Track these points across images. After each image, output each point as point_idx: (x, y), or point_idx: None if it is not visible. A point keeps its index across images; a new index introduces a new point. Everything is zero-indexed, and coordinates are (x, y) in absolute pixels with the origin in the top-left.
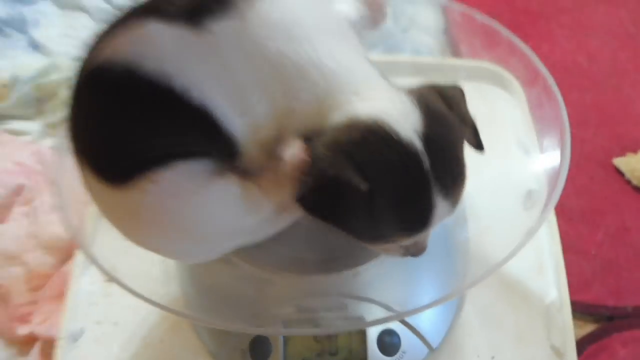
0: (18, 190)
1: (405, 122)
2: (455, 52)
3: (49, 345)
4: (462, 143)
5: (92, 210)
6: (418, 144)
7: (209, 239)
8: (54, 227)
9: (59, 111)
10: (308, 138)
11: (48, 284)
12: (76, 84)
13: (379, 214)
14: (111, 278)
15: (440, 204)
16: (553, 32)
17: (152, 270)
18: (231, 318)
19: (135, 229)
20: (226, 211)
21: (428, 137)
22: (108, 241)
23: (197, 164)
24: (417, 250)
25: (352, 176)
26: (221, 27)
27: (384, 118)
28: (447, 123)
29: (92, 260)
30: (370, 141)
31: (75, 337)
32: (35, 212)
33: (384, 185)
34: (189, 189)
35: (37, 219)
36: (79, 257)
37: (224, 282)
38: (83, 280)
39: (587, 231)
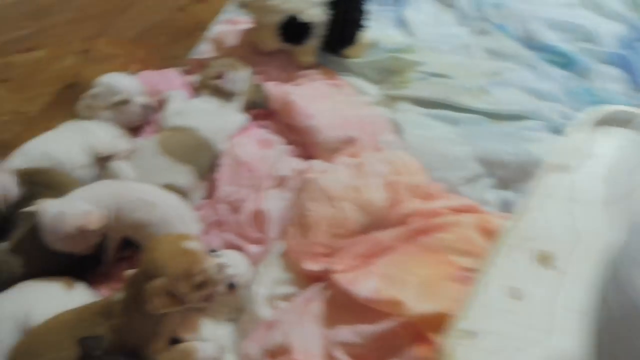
0: (348, 141)
1: None
2: None
3: (333, 292)
4: None
5: None
6: None
7: None
8: (372, 193)
9: (398, 89)
10: None
11: (353, 241)
12: None
13: None
14: None
15: None
16: None
17: None
18: None
19: None
20: None
21: None
22: None
23: None
24: None
25: None
26: None
27: None
28: None
29: None
30: None
31: (471, 335)
32: (359, 168)
33: None
34: None
35: (360, 176)
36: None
37: None
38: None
39: None
